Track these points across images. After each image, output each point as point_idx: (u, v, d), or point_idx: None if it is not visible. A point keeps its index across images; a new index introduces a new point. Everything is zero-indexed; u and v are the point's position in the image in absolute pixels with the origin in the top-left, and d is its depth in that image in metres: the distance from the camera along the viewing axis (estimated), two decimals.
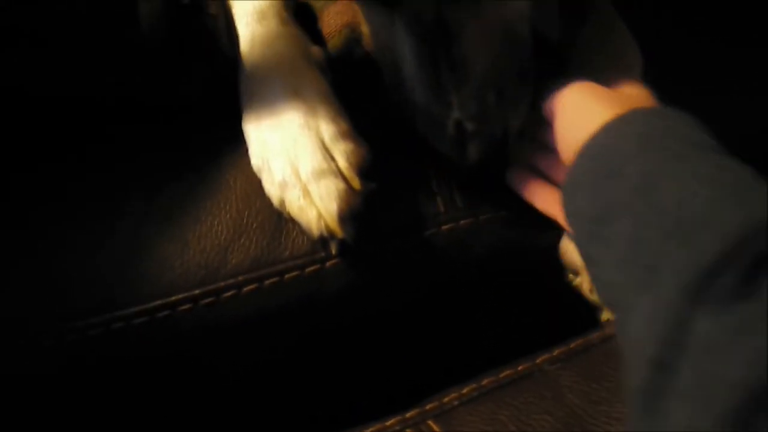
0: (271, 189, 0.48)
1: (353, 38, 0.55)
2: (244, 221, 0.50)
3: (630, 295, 0.35)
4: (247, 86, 0.51)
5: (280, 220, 0.50)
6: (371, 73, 0.56)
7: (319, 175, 0.46)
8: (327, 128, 0.48)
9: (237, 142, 0.52)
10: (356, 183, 0.47)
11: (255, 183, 0.50)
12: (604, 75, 0.52)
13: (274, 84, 0.49)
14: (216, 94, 0.52)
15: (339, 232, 0.46)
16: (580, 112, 0.43)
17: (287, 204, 0.47)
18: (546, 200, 0.49)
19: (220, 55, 0.51)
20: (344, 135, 0.48)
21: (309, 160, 0.46)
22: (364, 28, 0.51)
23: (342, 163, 0.47)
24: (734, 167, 0.36)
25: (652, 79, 0.52)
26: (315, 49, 0.52)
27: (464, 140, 0.46)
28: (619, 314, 0.36)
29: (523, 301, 0.55)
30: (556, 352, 0.48)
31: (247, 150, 0.51)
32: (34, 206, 0.51)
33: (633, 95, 0.47)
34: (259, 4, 0.52)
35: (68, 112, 0.52)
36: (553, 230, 0.52)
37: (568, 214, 0.42)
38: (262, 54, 0.51)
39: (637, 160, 0.38)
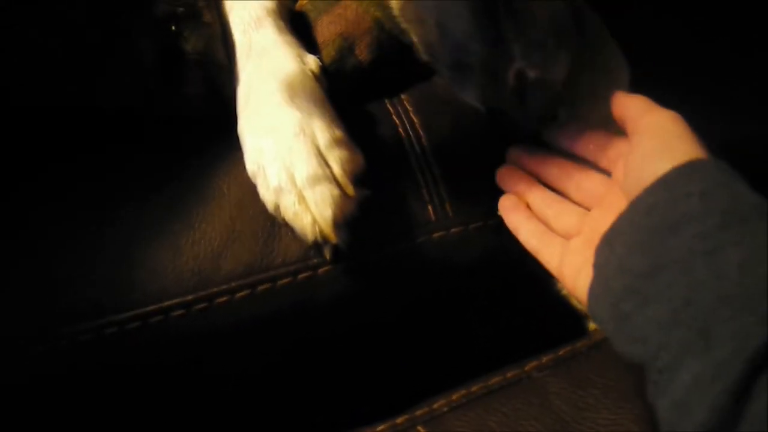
0: (266, 194, 0.48)
1: (346, 47, 0.56)
2: (237, 228, 0.51)
3: (674, 355, 0.34)
4: (243, 93, 0.51)
5: (272, 226, 0.50)
6: (363, 81, 0.57)
7: (315, 181, 0.47)
8: (322, 135, 0.48)
9: (230, 149, 0.52)
10: (350, 190, 0.48)
11: (248, 190, 0.51)
12: (593, 91, 0.54)
13: (271, 91, 0.50)
14: (210, 103, 0.52)
15: (333, 238, 0.47)
16: (668, 146, 0.40)
17: (282, 209, 0.48)
18: (532, 234, 0.48)
19: (215, 63, 0.52)
20: (339, 142, 0.49)
21: (305, 166, 0.47)
22: (394, 3, 0.51)
23: (337, 170, 0.48)
24: None
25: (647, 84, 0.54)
26: (310, 58, 0.52)
27: (525, 91, 0.45)
28: (655, 373, 0.35)
29: (511, 309, 0.56)
30: (544, 360, 0.49)
31: (240, 157, 0.51)
32: (26, 212, 0.51)
33: None
34: (256, 13, 0.53)
35: (61, 120, 0.52)
36: None
37: (603, 264, 0.40)
38: (258, 62, 0.51)
39: (698, 219, 0.36)
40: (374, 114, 0.56)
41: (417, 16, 0.49)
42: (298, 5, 0.59)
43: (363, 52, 0.56)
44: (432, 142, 0.55)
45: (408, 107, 0.57)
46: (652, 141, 0.41)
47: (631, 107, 0.44)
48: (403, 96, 0.58)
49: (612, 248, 0.40)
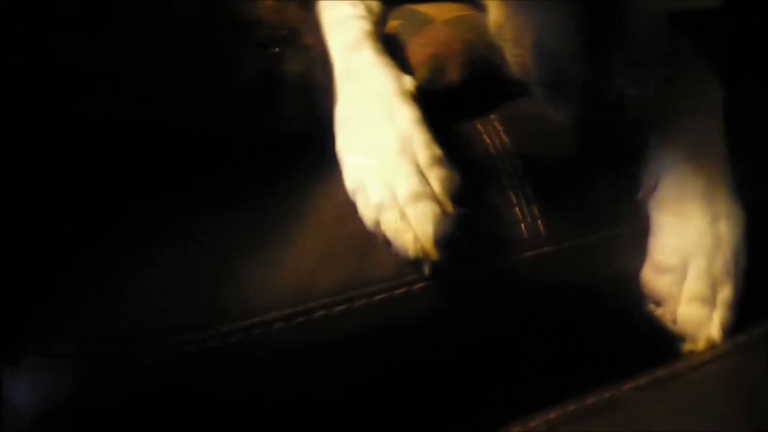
0: (367, 211, 0.49)
1: (438, 68, 0.57)
2: (334, 244, 0.52)
3: None
4: (342, 113, 0.53)
5: (368, 243, 0.51)
6: (455, 101, 0.58)
7: (416, 198, 0.48)
8: (423, 154, 0.49)
9: (325, 168, 0.53)
10: (450, 208, 0.48)
11: (344, 207, 0.52)
12: (688, 107, 0.54)
13: (371, 111, 0.51)
14: (309, 123, 0.54)
15: (434, 255, 0.48)
16: None
17: (383, 225, 0.49)
18: None
19: (314, 84, 0.53)
20: (438, 161, 0.50)
21: (407, 183, 0.48)
22: (495, 15, 0.53)
23: (437, 188, 0.48)
24: None
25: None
26: (407, 79, 0.54)
27: (622, 108, 0.46)
28: None
29: (604, 329, 0.55)
30: (641, 381, 0.49)
31: (335, 175, 0.52)
32: (133, 226, 0.53)
33: None
34: (354, 36, 0.55)
35: (165, 140, 0.54)
36: (635, 259, 0.53)
37: None
38: (358, 83, 0.53)
39: None
40: (466, 134, 0.57)
41: (513, 36, 0.50)
42: (388, 28, 0.61)
43: (454, 73, 0.57)
44: (523, 161, 0.56)
45: (498, 127, 0.57)
46: None
47: None
48: (492, 116, 0.58)
49: None
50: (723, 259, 0.51)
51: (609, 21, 0.47)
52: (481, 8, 0.62)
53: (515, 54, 0.53)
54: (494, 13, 0.56)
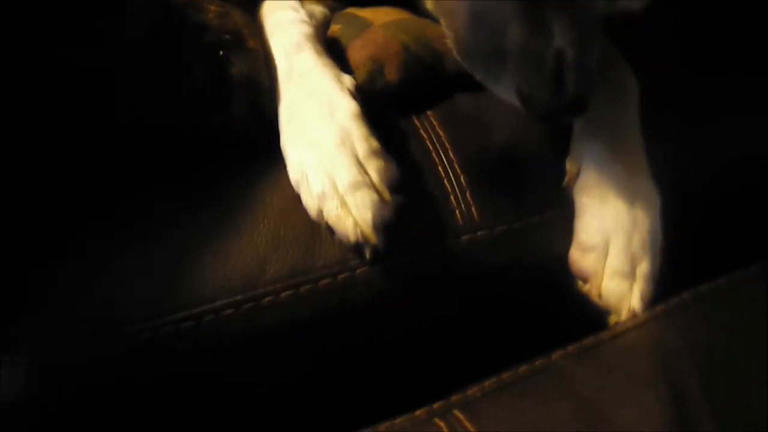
0: (310, 201, 0.52)
1: (376, 69, 0.61)
2: (281, 234, 0.55)
3: None
4: (286, 111, 0.56)
5: (313, 233, 0.54)
6: (392, 99, 0.61)
7: (355, 187, 0.51)
8: (361, 146, 0.53)
9: (271, 164, 0.56)
10: (387, 195, 0.52)
11: (290, 200, 0.55)
12: (605, 109, 0.58)
13: (313, 109, 0.54)
14: (254, 122, 0.57)
15: (373, 239, 0.51)
16: None
17: (325, 214, 0.52)
18: None
19: (258, 85, 0.56)
20: (376, 153, 0.53)
21: (346, 174, 0.51)
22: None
23: (375, 177, 0.52)
24: None
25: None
26: (346, 78, 0.57)
27: (562, 72, 0.48)
28: None
29: (537, 307, 0.59)
30: (569, 349, 0.52)
31: (281, 171, 0.55)
32: (87, 220, 0.55)
33: None
34: (296, 39, 0.58)
35: (121, 140, 0.57)
36: (563, 241, 0.57)
37: None
38: (300, 83, 0.56)
39: None
40: (404, 129, 0.60)
41: (450, 10, 0.52)
42: (329, 32, 0.64)
43: (391, 73, 0.61)
44: (457, 153, 0.59)
45: (434, 122, 0.61)
46: None
47: None
48: (429, 112, 0.62)
49: None
50: (640, 237, 0.55)
51: None
52: (419, 12, 0.66)
53: (453, 29, 0.55)
54: None
